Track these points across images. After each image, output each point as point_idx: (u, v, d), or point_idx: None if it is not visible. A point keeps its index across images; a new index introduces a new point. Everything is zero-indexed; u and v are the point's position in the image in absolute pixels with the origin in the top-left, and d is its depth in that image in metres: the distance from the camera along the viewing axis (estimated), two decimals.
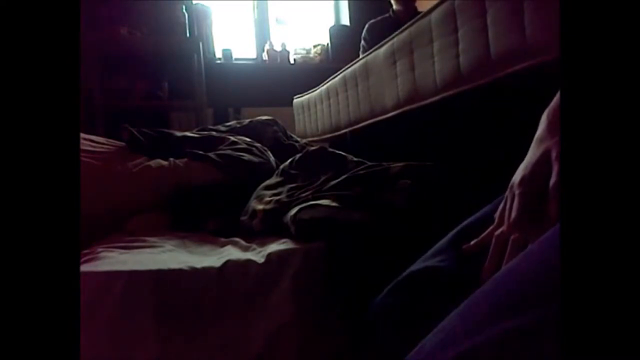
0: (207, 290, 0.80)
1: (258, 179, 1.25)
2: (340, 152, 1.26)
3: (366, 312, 0.59)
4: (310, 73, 3.14)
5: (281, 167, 1.28)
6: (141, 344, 0.75)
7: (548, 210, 0.42)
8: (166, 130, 1.46)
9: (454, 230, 0.57)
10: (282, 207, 1.02)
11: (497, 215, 0.50)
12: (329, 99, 1.97)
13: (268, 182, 1.21)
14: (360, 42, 2.75)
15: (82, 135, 1.30)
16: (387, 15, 2.66)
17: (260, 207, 1.06)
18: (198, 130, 1.57)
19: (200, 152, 1.31)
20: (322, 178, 1.13)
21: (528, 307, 0.29)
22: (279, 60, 3.52)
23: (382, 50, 1.44)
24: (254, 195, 1.15)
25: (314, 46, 3.67)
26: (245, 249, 0.95)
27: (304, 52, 3.66)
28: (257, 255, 0.88)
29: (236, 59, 3.46)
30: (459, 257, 0.53)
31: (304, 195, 1.04)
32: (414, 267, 0.55)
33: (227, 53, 3.38)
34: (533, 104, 0.59)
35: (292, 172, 1.22)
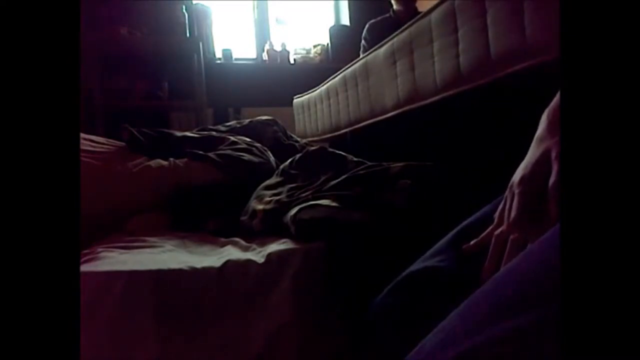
0: (207, 290, 0.80)
1: (258, 179, 1.25)
2: (340, 152, 1.26)
3: (366, 312, 0.59)
4: (310, 73, 3.14)
5: (281, 167, 1.28)
6: (141, 344, 0.75)
7: (548, 210, 0.42)
8: (166, 130, 1.46)
9: (454, 231, 0.57)
10: (282, 207, 1.02)
11: (496, 215, 0.50)
12: (329, 99, 1.97)
13: (268, 182, 1.21)
14: (360, 42, 2.76)
15: (82, 135, 1.30)
16: (387, 15, 2.66)
17: (260, 207, 1.06)
18: (198, 130, 1.57)
19: (200, 152, 1.31)
20: (322, 178, 1.13)
21: (528, 307, 0.29)
22: (279, 60, 3.52)
23: (382, 50, 1.44)
24: (254, 195, 1.15)
25: (314, 46, 3.67)
26: (245, 249, 0.95)
27: (304, 52, 3.66)
28: (257, 255, 0.88)
29: (236, 59, 3.46)
30: (459, 257, 0.53)
31: (304, 195, 1.04)
32: (413, 267, 0.55)
33: (227, 53, 3.38)
34: (533, 104, 0.59)
35: (292, 172, 1.22)
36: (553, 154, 0.43)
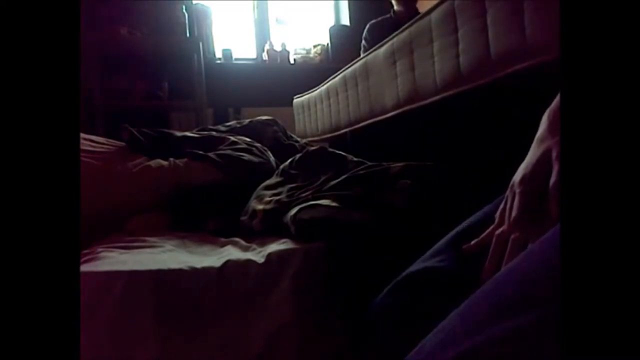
0: (207, 290, 0.80)
1: (258, 179, 1.25)
2: (340, 152, 1.26)
3: (366, 312, 0.59)
4: (310, 73, 3.14)
5: (281, 167, 1.28)
6: (141, 344, 0.75)
7: (548, 210, 0.42)
8: (166, 130, 1.46)
9: (454, 231, 0.57)
10: (282, 207, 1.02)
11: (497, 214, 0.50)
12: (329, 99, 1.97)
13: (268, 182, 1.21)
14: (360, 42, 2.76)
15: (82, 135, 1.30)
16: (388, 15, 2.66)
17: (260, 207, 1.06)
18: (198, 130, 1.57)
19: (200, 152, 1.31)
20: (322, 178, 1.13)
21: (528, 307, 0.29)
22: (279, 60, 3.52)
23: (382, 50, 1.44)
24: (254, 195, 1.15)
25: (314, 46, 3.67)
26: (245, 249, 0.95)
27: (304, 52, 3.66)
28: (257, 255, 0.88)
29: (236, 59, 3.46)
30: (459, 257, 0.53)
31: (304, 195, 1.04)
32: (413, 267, 0.55)
33: (227, 53, 3.38)
34: (533, 104, 0.59)
35: (292, 172, 1.22)
36: (554, 154, 0.43)
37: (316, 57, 3.63)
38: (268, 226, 1.02)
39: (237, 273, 0.82)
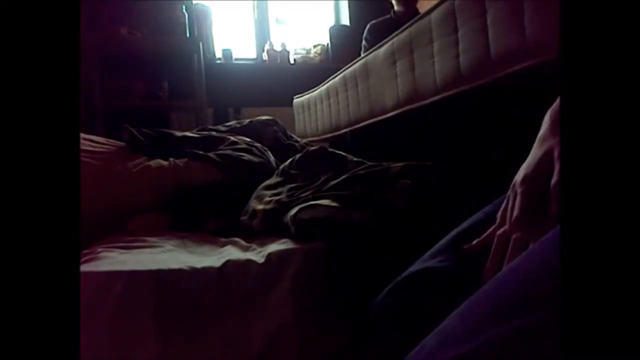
0: (207, 290, 0.80)
1: (258, 179, 1.25)
2: (340, 152, 1.26)
3: (366, 312, 0.59)
4: (310, 73, 3.14)
5: (281, 167, 1.28)
6: (141, 344, 0.75)
7: (549, 210, 0.42)
8: (166, 130, 1.46)
9: (454, 231, 0.57)
10: (282, 207, 1.02)
11: (499, 214, 0.50)
12: (329, 99, 1.97)
13: (268, 182, 1.21)
14: (360, 42, 2.76)
15: (82, 135, 1.30)
16: (388, 16, 2.66)
17: (260, 207, 1.06)
18: (198, 130, 1.57)
19: (200, 152, 1.31)
20: (322, 178, 1.13)
21: (530, 307, 0.29)
22: (279, 60, 3.52)
23: (382, 50, 1.44)
24: (254, 195, 1.15)
25: (314, 46, 3.67)
26: (245, 249, 0.95)
27: (304, 52, 3.66)
28: (257, 255, 0.88)
29: (236, 59, 3.46)
30: (459, 258, 0.53)
31: (304, 195, 1.04)
32: (413, 267, 0.55)
33: (227, 53, 3.38)
34: (533, 104, 0.59)
35: (292, 172, 1.22)
36: (555, 154, 0.43)
37: (316, 57, 3.63)
38: (268, 226, 1.02)
39: (237, 273, 0.82)
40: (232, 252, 0.92)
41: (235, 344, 0.78)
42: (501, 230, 0.48)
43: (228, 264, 0.83)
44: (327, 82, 2.00)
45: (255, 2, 3.67)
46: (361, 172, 1.07)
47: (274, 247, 0.90)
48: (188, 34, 3.07)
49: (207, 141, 1.41)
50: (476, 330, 0.30)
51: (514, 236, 0.46)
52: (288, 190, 1.12)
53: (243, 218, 1.09)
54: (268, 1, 3.69)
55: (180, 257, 0.90)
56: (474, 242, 0.52)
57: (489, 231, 0.51)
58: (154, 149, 1.34)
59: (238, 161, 1.30)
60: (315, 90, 2.18)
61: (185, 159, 1.29)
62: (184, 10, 3.06)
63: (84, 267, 0.80)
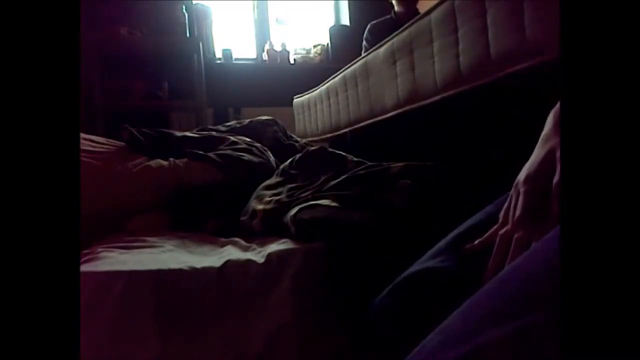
0: (207, 290, 0.80)
1: (258, 179, 1.25)
2: (340, 152, 1.26)
3: (366, 312, 0.59)
4: (310, 73, 3.14)
5: (281, 167, 1.28)
6: (141, 344, 0.75)
7: (551, 209, 0.42)
8: (166, 130, 1.46)
9: (454, 231, 0.57)
10: (282, 207, 1.02)
11: (501, 214, 0.50)
12: (329, 99, 1.97)
13: (268, 182, 1.21)
14: (360, 42, 2.75)
15: (82, 135, 1.30)
16: (388, 16, 2.66)
17: (260, 207, 1.06)
18: (198, 130, 1.57)
19: (200, 152, 1.31)
20: (322, 178, 1.13)
21: (531, 307, 0.29)
22: (279, 60, 3.52)
23: (382, 50, 1.44)
24: (254, 195, 1.15)
25: (314, 46, 3.67)
26: (245, 249, 0.95)
27: (304, 52, 3.66)
28: (257, 255, 0.88)
29: (236, 59, 3.46)
30: (460, 258, 0.53)
31: (304, 195, 1.04)
32: (414, 267, 0.55)
33: (227, 53, 3.38)
34: (533, 104, 0.59)
35: (292, 172, 1.22)
36: (558, 154, 0.43)
37: (316, 57, 3.63)
38: (268, 226, 1.02)
39: (237, 273, 0.82)
40: (232, 252, 0.92)
41: (235, 344, 0.78)
42: (503, 230, 0.48)
43: (228, 264, 0.83)
44: (327, 82, 2.00)
45: (255, 2, 3.67)
46: (361, 172, 1.07)
47: (274, 247, 0.90)
48: (188, 34, 3.07)
49: (207, 141, 1.41)
50: (477, 331, 0.30)
51: (516, 235, 0.46)
52: (288, 190, 1.12)
53: (243, 218, 1.09)
54: (268, 1, 3.69)
55: (180, 257, 0.90)
56: (476, 242, 0.52)
57: (491, 231, 0.51)
58: (154, 149, 1.34)
59: (238, 161, 1.30)
60: (315, 90, 2.18)
61: (185, 159, 1.29)
62: (184, 10, 3.06)
63: (84, 267, 0.80)
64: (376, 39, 2.23)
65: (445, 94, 1.13)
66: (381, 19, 2.68)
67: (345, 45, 3.46)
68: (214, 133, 1.51)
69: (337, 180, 1.06)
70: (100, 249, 0.90)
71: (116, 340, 0.74)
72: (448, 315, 0.35)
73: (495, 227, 0.50)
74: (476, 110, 1.21)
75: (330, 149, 1.28)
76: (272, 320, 0.80)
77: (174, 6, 3.04)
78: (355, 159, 1.21)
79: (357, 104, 1.67)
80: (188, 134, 1.47)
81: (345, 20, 3.79)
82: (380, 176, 1.04)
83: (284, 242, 0.92)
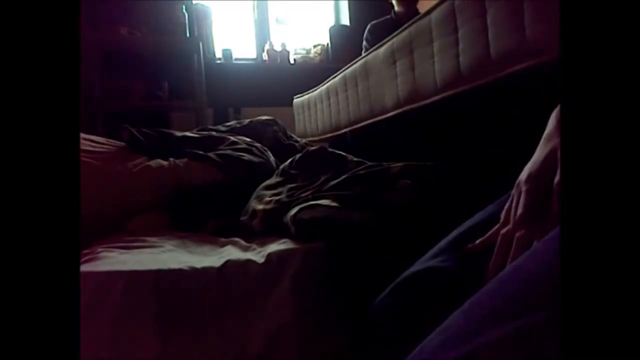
0: (207, 290, 0.80)
1: (258, 179, 1.25)
2: (340, 152, 1.26)
3: (366, 312, 0.59)
4: (310, 73, 3.13)
5: (281, 167, 1.28)
6: (141, 344, 0.75)
7: (552, 208, 0.42)
8: (166, 130, 1.46)
9: (455, 231, 0.57)
10: (282, 207, 1.02)
11: (503, 213, 0.50)
12: (329, 99, 1.97)
13: (268, 182, 1.21)
14: (360, 42, 2.75)
15: (82, 135, 1.30)
16: (388, 17, 2.66)
17: (260, 207, 1.06)
18: (198, 130, 1.57)
19: (200, 152, 1.31)
20: (322, 178, 1.13)
21: (533, 307, 0.29)
22: (279, 60, 3.52)
23: (382, 50, 1.44)
24: (254, 195, 1.15)
25: (314, 46, 3.67)
26: (245, 249, 0.95)
27: (304, 52, 3.66)
28: (257, 255, 0.88)
29: (236, 59, 3.46)
30: (461, 258, 0.52)
31: (304, 195, 1.04)
32: (414, 267, 0.55)
33: (227, 53, 3.38)
34: (533, 104, 0.59)
35: (292, 172, 1.22)
36: (560, 153, 0.43)
37: (316, 57, 3.63)
38: (268, 226, 1.02)
39: (237, 273, 0.82)
40: (232, 252, 0.92)
41: (235, 344, 0.78)
42: (505, 229, 0.48)
43: (228, 264, 0.83)
44: (327, 82, 2.00)
45: (255, 2, 3.67)
46: (361, 172, 1.07)
47: (274, 247, 0.90)
48: (188, 34, 3.07)
49: (207, 141, 1.41)
50: (478, 331, 0.30)
51: (517, 235, 0.46)
52: (288, 190, 1.12)
53: (243, 218, 1.09)
54: (268, 1, 3.69)
55: (180, 257, 0.90)
56: (477, 242, 0.52)
57: (492, 230, 0.51)
58: (154, 149, 1.34)
59: (238, 161, 1.30)
60: (315, 90, 2.18)
61: (185, 159, 1.29)
62: (184, 10, 3.06)
63: (84, 267, 0.80)
64: (376, 39, 2.23)
65: (445, 94, 1.13)
66: (381, 19, 2.68)
67: (345, 45, 3.45)
68: (214, 133, 1.51)
69: (337, 180, 1.06)
70: (100, 249, 0.90)
71: (116, 340, 0.74)
72: (449, 315, 0.35)
73: (496, 226, 0.50)
74: (476, 110, 1.21)
75: (330, 149, 1.28)
76: (272, 320, 0.80)
77: (174, 6, 3.04)
78: (355, 159, 1.21)
79: (357, 104, 1.67)
80: (188, 134, 1.47)
81: (345, 20, 3.79)
82: (380, 176, 1.04)
83: (284, 242, 0.92)
